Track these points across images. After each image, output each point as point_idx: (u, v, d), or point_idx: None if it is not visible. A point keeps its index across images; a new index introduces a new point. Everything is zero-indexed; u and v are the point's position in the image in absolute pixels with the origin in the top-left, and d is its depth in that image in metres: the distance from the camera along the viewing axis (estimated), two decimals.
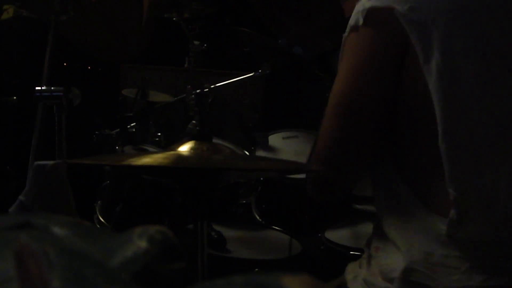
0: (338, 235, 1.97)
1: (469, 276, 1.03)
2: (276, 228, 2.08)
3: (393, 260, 1.09)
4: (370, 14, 1.07)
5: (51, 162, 1.56)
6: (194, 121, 2.31)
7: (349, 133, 1.12)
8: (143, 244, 0.46)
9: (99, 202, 2.15)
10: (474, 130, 1.04)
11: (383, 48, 1.09)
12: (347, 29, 1.12)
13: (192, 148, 1.22)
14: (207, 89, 2.33)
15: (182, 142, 1.25)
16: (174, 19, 2.69)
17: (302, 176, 2.17)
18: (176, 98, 2.75)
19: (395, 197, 1.11)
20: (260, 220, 2.18)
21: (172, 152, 1.20)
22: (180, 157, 1.17)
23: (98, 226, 1.99)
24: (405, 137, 1.11)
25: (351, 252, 1.85)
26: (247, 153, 2.30)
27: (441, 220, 1.04)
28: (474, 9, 1.06)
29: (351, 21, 1.10)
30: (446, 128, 1.02)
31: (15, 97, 2.98)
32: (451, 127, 1.03)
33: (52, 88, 1.70)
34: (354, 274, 1.19)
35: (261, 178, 2.22)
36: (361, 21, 1.07)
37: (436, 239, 1.05)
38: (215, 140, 1.28)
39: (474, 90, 1.04)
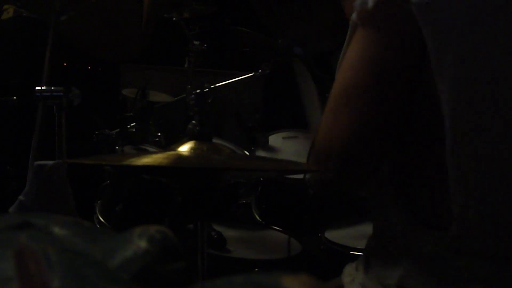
0: (338, 235, 1.97)
1: (466, 286, 1.01)
2: (276, 228, 2.08)
3: (390, 266, 1.07)
4: (382, 3, 0.96)
5: (51, 162, 1.56)
6: (194, 121, 2.31)
7: (361, 126, 1.00)
8: (143, 244, 0.46)
9: (99, 202, 2.15)
10: (484, 149, 0.98)
11: (398, 46, 0.98)
12: (355, 16, 1.00)
13: (192, 148, 1.22)
14: (207, 89, 2.34)
15: (182, 142, 1.25)
16: (174, 19, 2.70)
17: (302, 176, 2.18)
18: (176, 98, 2.75)
19: (387, 211, 1.08)
20: (260, 220, 2.18)
21: (172, 152, 1.20)
22: (180, 157, 1.17)
23: (98, 226, 1.99)
24: (410, 145, 1.04)
25: (351, 252, 1.85)
26: (247, 153, 2.30)
27: (438, 234, 1.01)
28: (496, 16, 0.95)
29: (357, 10, 0.98)
30: (454, 145, 0.95)
31: (15, 97, 2.98)
32: (460, 144, 0.96)
33: (52, 88, 1.70)
34: (352, 276, 1.16)
35: (261, 178, 2.22)
36: (370, 4, 0.96)
37: (433, 250, 1.02)
38: (215, 140, 1.28)
39: (488, 107, 0.96)
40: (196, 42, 2.65)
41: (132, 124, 2.37)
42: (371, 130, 1.01)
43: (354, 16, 1.01)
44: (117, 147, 2.23)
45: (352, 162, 1.03)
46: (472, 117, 0.97)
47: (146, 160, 1.16)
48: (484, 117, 0.97)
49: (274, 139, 2.45)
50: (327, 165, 1.04)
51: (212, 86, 2.47)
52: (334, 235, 1.96)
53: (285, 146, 2.42)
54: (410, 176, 1.06)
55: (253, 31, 2.90)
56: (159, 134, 2.47)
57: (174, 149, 1.23)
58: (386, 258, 1.09)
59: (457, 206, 0.99)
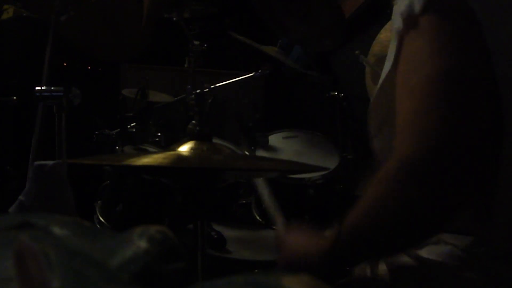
0: None
1: None
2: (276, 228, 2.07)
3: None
4: (431, 5, 0.90)
5: (51, 162, 1.56)
6: (194, 121, 2.31)
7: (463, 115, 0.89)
8: (143, 244, 0.46)
9: (99, 202, 2.15)
10: None
11: (461, 44, 0.89)
12: (400, 21, 0.93)
13: (192, 148, 1.22)
14: (207, 89, 2.33)
15: (182, 142, 1.25)
16: (174, 19, 2.70)
17: (302, 176, 2.17)
18: (176, 98, 2.75)
19: None
20: (260, 220, 2.18)
21: (172, 152, 1.20)
22: (180, 157, 1.17)
23: (98, 226, 1.99)
24: None
25: None
26: (247, 153, 2.30)
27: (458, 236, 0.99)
28: None
29: (403, 17, 0.92)
30: None
31: (15, 97, 2.98)
32: None
33: (52, 88, 1.70)
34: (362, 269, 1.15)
35: (261, 178, 2.22)
36: (417, 9, 0.90)
37: (451, 254, 0.99)
38: (215, 140, 1.28)
39: None
40: (196, 42, 2.65)
41: (132, 124, 2.36)
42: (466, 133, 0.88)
43: (398, 24, 0.94)
44: (117, 147, 2.23)
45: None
46: None
47: (146, 160, 1.16)
48: None
49: (274, 139, 2.45)
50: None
51: (212, 86, 2.47)
52: None
53: (285, 146, 2.42)
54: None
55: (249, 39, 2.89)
56: (159, 134, 2.47)
57: (174, 149, 1.23)
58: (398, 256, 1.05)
59: (502, 211, 0.94)
